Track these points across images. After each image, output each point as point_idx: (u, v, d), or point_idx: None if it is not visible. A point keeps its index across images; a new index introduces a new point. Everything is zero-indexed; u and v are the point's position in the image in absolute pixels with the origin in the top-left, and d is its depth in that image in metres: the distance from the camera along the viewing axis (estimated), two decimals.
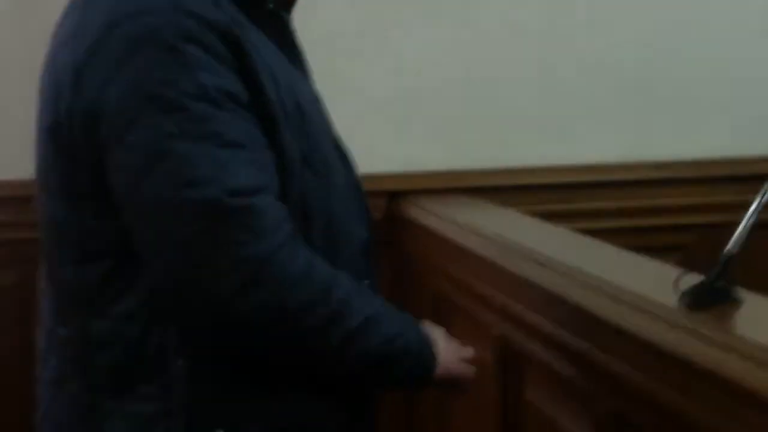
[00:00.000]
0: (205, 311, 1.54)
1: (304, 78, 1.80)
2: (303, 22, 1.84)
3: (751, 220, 1.53)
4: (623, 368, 1.67)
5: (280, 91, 1.62)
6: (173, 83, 1.52)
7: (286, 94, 1.63)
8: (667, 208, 3.06)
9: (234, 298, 1.51)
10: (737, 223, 1.56)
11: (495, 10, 3.09)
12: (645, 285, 1.77)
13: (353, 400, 1.73)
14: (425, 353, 1.69)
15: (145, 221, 1.54)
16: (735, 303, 1.56)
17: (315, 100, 1.78)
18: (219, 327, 1.56)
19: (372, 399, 1.80)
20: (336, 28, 2.85)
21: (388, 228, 2.84)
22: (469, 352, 1.78)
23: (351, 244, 1.73)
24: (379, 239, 1.86)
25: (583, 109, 3.12)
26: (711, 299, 1.55)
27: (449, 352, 1.74)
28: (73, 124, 1.57)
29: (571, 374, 1.87)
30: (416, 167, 3.01)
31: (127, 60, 1.53)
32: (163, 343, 1.58)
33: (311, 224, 1.65)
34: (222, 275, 1.51)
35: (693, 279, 1.59)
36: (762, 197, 1.54)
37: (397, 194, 2.95)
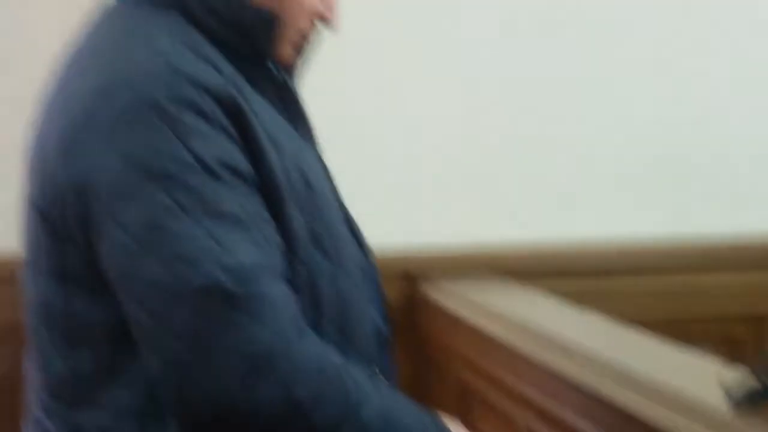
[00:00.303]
0: (206, 406, 1.49)
1: (311, 146, 1.79)
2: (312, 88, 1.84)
3: None
4: None
5: (285, 162, 1.60)
6: (169, 154, 1.48)
7: (290, 165, 1.61)
8: (708, 292, 3.00)
9: (238, 392, 1.47)
10: None
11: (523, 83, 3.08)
12: (688, 382, 1.74)
13: None
14: None
15: (140, 306, 1.49)
16: None
17: (323, 171, 1.77)
18: (222, 424, 1.50)
19: None
20: (350, 93, 2.84)
21: (406, 311, 2.77)
22: None
23: (364, 330, 1.70)
24: (396, 323, 1.81)
25: (616, 183, 3.06)
26: (763, 400, 1.50)
27: None
28: (63, 200, 1.54)
29: None
30: (436, 245, 2.95)
31: (120, 129, 1.50)
32: None
33: (320, 309, 1.61)
34: (224, 367, 1.46)
35: (743, 376, 1.55)
36: None
37: (416, 274, 2.88)
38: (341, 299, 1.65)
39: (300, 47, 1.75)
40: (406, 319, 2.74)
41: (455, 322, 2.60)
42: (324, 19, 1.73)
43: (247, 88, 1.60)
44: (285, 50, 1.72)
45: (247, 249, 1.49)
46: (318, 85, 1.84)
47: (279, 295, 1.50)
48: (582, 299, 2.61)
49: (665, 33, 3.14)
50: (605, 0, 3.15)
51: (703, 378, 1.70)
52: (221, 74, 1.56)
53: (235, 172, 1.52)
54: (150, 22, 1.61)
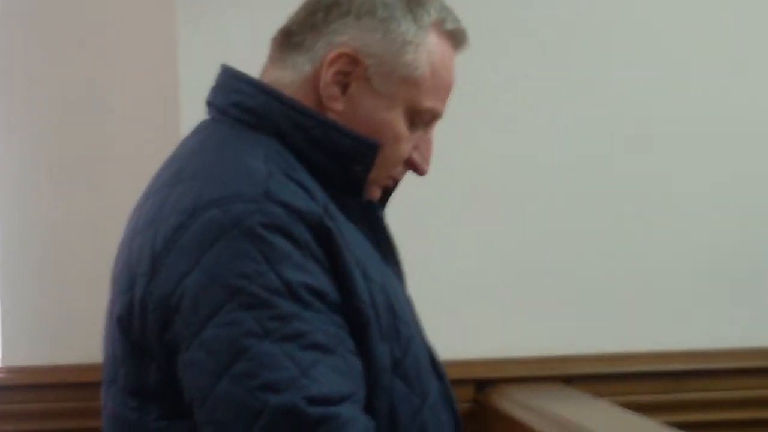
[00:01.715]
0: None
1: (397, 275, 1.77)
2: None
3: None
4: None
5: (372, 289, 1.60)
6: (257, 277, 1.49)
7: (377, 293, 1.61)
8: None
9: None
10: None
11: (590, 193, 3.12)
12: None
13: None
14: None
15: (217, 426, 1.50)
16: None
17: (407, 301, 1.74)
18: None
19: None
20: (418, 211, 2.86)
21: (476, 420, 2.77)
22: None
23: None
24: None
25: (683, 291, 3.09)
26: None
27: None
28: (147, 315, 1.55)
29: None
30: (506, 353, 2.98)
31: (209, 248, 1.51)
32: None
33: None
34: None
35: None
36: None
37: (486, 382, 2.90)
38: (420, 426, 1.64)
39: (389, 190, 1.79)
40: (474, 426, 2.73)
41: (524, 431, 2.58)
42: (416, 169, 1.76)
43: (339, 216, 1.60)
44: (373, 192, 1.74)
45: (331, 377, 1.49)
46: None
47: (359, 424, 1.51)
48: (652, 411, 2.67)
49: None
50: None
51: None
52: (314, 200, 1.57)
53: (321, 298, 1.52)
54: (245, 143, 1.63)
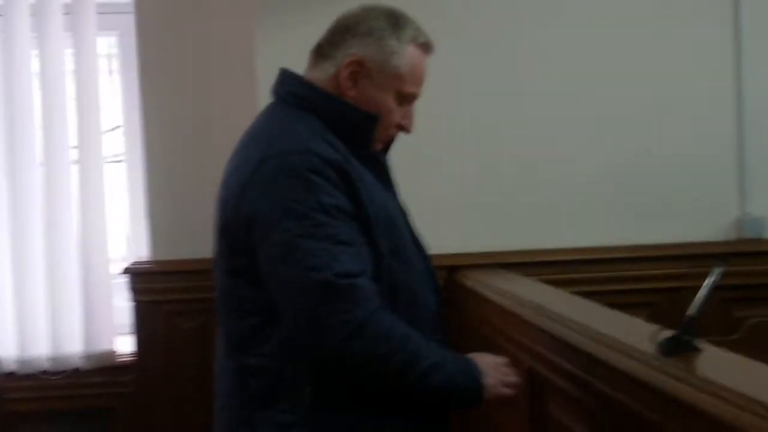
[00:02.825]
0: (321, 355, 1.54)
1: (394, 198, 1.79)
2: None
3: (705, 294, 1.49)
4: (616, 395, 1.61)
5: (376, 208, 1.63)
6: (303, 201, 1.53)
7: (379, 210, 1.64)
8: (639, 277, 2.95)
9: (341, 346, 1.51)
10: (689, 288, 1.54)
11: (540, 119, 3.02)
12: (629, 336, 1.70)
13: (430, 418, 1.70)
14: (476, 386, 1.65)
15: (281, 293, 1.56)
16: (696, 351, 1.51)
17: (401, 212, 1.77)
18: (331, 364, 1.55)
19: (446, 416, 1.76)
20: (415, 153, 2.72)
21: (449, 293, 2.70)
22: (513, 377, 1.73)
23: (427, 310, 1.71)
24: (442, 301, 1.81)
25: (583, 202, 3.01)
26: (679, 348, 1.50)
27: (497, 378, 1.69)
28: (236, 226, 1.60)
29: (579, 396, 1.80)
30: (467, 249, 2.92)
31: (273, 184, 1.55)
32: (295, 374, 1.59)
33: (398, 298, 1.63)
34: (332, 331, 1.51)
35: (665, 333, 1.54)
36: (712, 279, 1.49)
37: (455, 268, 2.85)
38: (411, 290, 1.67)
39: (387, 144, 1.80)
40: (448, 297, 2.60)
41: (480, 298, 2.56)
42: (404, 129, 1.77)
43: (354, 162, 1.63)
44: (376, 144, 1.74)
45: (349, 260, 1.53)
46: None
47: (367, 288, 1.54)
48: (558, 284, 2.57)
49: None
50: None
51: (640, 334, 1.65)
52: (337, 152, 1.60)
53: (344, 213, 1.56)
54: (295, 116, 1.66)
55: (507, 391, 1.70)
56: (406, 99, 1.73)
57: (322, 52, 1.72)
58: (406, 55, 1.69)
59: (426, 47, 1.73)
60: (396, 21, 1.71)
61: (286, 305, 1.55)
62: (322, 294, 1.50)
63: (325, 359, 1.54)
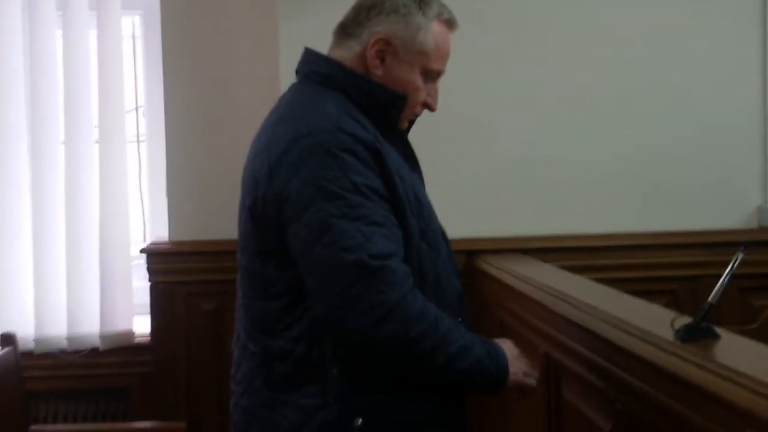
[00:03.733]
0: (352, 337, 1.51)
1: (419, 178, 1.77)
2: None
3: (725, 281, 1.48)
4: (633, 381, 1.61)
5: (405, 188, 1.61)
6: (335, 180, 1.51)
7: (409, 190, 1.62)
8: (659, 264, 2.94)
9: (372, 328, 1.49)
10: (709, 276, 1.53)
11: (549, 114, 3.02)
12: (648, 322, 1.69)
13: (451, 400, 1.70)
14: (501, 370, 1.64)
15: (312, 274, 1.53)
16: (715, 338, 1.51)
17: (426, 195, 1.74)
18: (361, 347, 1.53)
19: (464, 399, 1.76)
20: (436, 139, 2.79)
21: (467, 278, 2.62)
22: (535, 372, 1.72)
23: (451, 293, 1.70)
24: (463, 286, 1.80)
25: (604, 191, 3.01)
26: (698, 335, 1.51)
27: (519, 368, 1.68)
28: (266, 205, 1.58)
29: (594, 381, 1.81)
30: (486, 234, 2.93)
31: (304, 164, 1.53)
32: (322, 357, 1.57)
33: (425, 280, 1.61)
34: (365, 313, 1.48)
35: (684, 319, 1.55)
36: (733, 264, 1.49)
37: (473, 253, 2.86)
38: (437, 273, 1.65)
39: (411, 122, 1.77)
40: (467, 281, 2.67)
41: (498, 283, 2.57)
42: (429, 107, 1.75)
43: (383, 141, 1.61)
44: (402, 123, 1.73)
45: (382, 241, 1.51)
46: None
47: (400, 270, 1.52)
48: (577, 270, 2.57)
49: None
50: None
51: (659, 320, 1.66)
52: (367, 131, 1.58)
53: (376, 193, 1.54)
54: (322, 95, 1.63)
55: (529, 380, 1.69)
56: (432, 76, 1.71)
57: (346, 30, 1.69)
58: (431, 31, 1.67)
59: (450, 23, 1.71)
60: None
61: (317, 287, 1.52)
62: (355, 275, 1.48)
63: (356, 341, 1.51)
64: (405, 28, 1.65)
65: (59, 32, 3.26)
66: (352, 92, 1.64)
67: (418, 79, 1.69)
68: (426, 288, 1.60)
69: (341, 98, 1.63)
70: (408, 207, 1.59)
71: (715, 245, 2.86)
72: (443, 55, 1.70)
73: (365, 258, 1.48)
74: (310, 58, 1.72)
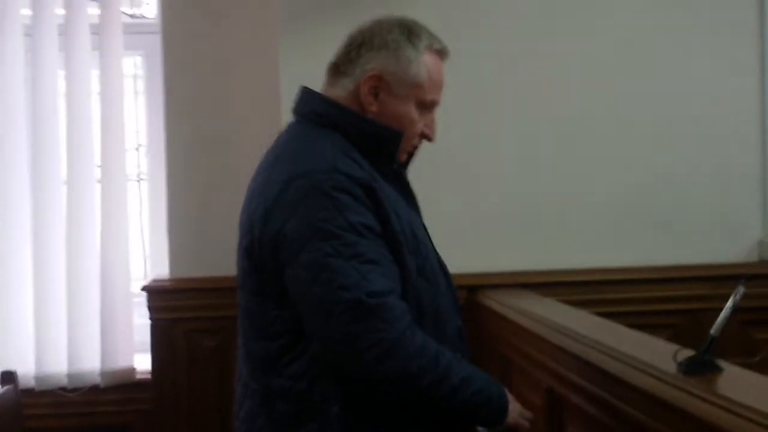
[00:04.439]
0: (353, 374, 1.52)
1: (417, 214, 1.76)
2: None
3: (727, 314, 1.48)
4: (636, 414, 1.60)
5: (402, 224, 1.61)
6: (330, 220, 1.51)
7: (405, 226, 1.62)
8: (660, 298, 2.93)
9: (373, 366, 1.49)
10: (711, 309, 1.53)
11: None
12: (651, 355, 1.69)
13: None
14: (502, 404, 1.65)
15: (311, 313, 1.53)
16: (718, 371, 1.51)
17: (424, 229, 1.74)
18: (362, 384, 1.53)
19: None
20: (436, 173, 2.79)
21: (468, 313, 2.61)
22: (528, 413, 1.72)
23: (450, 327, 1.69)
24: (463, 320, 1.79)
25: (605, 225, 3.00)
26: (701, 368, 1.51)
27: (515, 409, 1.68)
28: (263, 246, 1.58)
29: (598, 415, 1.80)
30: (487, 269, 2.92)
31: (300, 204, 1.53)
32: (323, 394, 1.56)
33: (423, 315, 1.61)
34: (364, 351, 1.48)
35: (686, 352, 1.55)
36: (734, 298, 1.48)
37: (474, 288, 2.85)
38: (436, 308, 1.65)
39: (410, 154, 1.76)
40: (468, 316, 2.65)
41: (499, 317, 2.56)
42: (427, 138, 1.74)
43: (379, 179, 1.61)
44: (401, 156, 1.73)
45: (379, 279, 1.51)
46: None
47: (398, 307, 1.52)
48: (578, 305, 2.56)
49: None
50: None
51: (661, 353, 1.66)
52: (363, 169, 1.58)
53: (372, 231, 1.54)
54: (319, 135, 1.63)
55: (523, 422, 1.69)
56: (427, 107, 1.71)
57: (338, 69, 1.69)
58: (423, 63, 1.67)
59: (442, 53, 1.72)
60: (410, 30, 1.69)
61: (316, 326, 1.52)
62: (353, 314, 1.48)
63: (357, 380, 1.51)
64: (396, 63, 1.65)
65: (62, 72, 3.29)
66: (347, 130, 1.64)
67: (414, 112, 1.69)
68: (425, 324, 1.59)
69: (337, 137, 1.63)
70: (404, 244, 1.59)
71: (716, 279, 2.85)
72: (437, 86, 1.71)
73: (362, 296, 1.48)
74: (306, 97, 1.72)
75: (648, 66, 3.01)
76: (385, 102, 1.66)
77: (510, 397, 1.68)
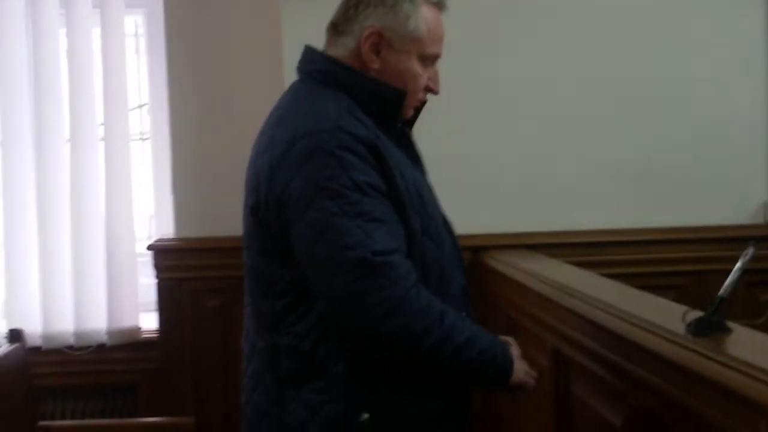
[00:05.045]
0: (357, 333, 1.51)
1: (422, 173, 1.77)
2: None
3: (737, 275, 1.48)
4: (644, 375, 1.61)
5: (406, 184, 1.60)
6: (335, 178, 1.51)
7: (410, 185, 1.61)
8: (666, 260, 2.94)
9: (377, 324, 1.49)
10: (716, 271, 1.53)
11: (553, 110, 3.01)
12: (659, 316, 1.68)
13: (457, 394, 1.69)
14: (507, 363, 1.65)
15: (316, 272, 1.53)
16: (727, 332, 1.51)
17: (429, 189, 1.74)
18: (367, 343, 1.53)
19: (468, 394, 1.76)
20: (441, 134, 2.79)
21: (473, 273, 2.67)
22: (534, 372, 1.73)
23: (454, 287, 1.70)
24: (468, 280, 1.80)
25: (611, 186, 3.01)
26: (710, 329, 1.50)
27: (520, 367, 1.69)
28: (268, 205, 1.58)
29: (605, 376, 1.80)
30: (492, 230, 2.92)
31: (304, 163, 1.53)
32: (328, 353, 1.57)
33: (428, 274, 1.61)
34: (369, 309, 1.48)
35: (695, 313, 1.54)
36: (744, 259, 1.48)
37: (480, 249, 2.86)
38: (440, 268, 1.65)
39: (417, 109, 1.76)
40: (472, 277, 2.68)
41: (504, 278, 2.57)
42: (432, 91, 1.73)
43: (383, 138, 1.61)
44: (408, 112, 1.72)
45: (384, 238, 1.51)
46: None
47: (403, 265, 1.52)
48: (583, 265, 2.57)
49: None
50: None
51: (669, 314, 1.66)
52: (367, 128, 1.58)
53: (377, 190, 1.54)
54: (323, 94, 1.63)
55: (530, 380, 1.70)
56: (429, 60, 1.70)
57: (337, 28, 1.69)
58: (422, 17, 1.66)
59: (440, 5, 1.71)
60: None
61: (322, 285, 1.52)
62: (358, 272, 1.48)
63: (361, 338, 1.51)
64: (395, 18, 1.65)
65: (63, 30, 3.27)
66: (351, 89, 1.63)
67: (417, 67, 1.68)
68: (430, 283, 1.60)
69: (341, 96, 1.62)
70: (409, 203, 1.59)
71: (721, 240, 2.86)
72: (437, 39, 1.69)
73: (368, 255, 1.48)
74: (310, 55, 1.72)
75: (653, 28, 3.00)
76: (386, 59, 1.66)
77: (515, 355, 1.68)
